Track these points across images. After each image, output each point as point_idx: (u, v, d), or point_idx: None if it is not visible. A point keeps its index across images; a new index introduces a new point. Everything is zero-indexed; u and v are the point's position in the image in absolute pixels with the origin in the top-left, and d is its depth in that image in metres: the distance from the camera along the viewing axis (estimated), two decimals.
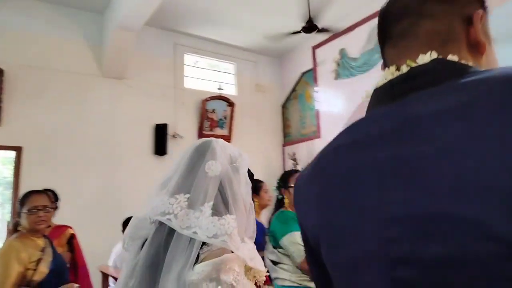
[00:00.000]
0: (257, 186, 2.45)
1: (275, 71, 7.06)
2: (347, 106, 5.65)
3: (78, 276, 2.72)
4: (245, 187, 0.87)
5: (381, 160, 0.46)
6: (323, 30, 5.07)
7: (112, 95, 5.19)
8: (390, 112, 0.49)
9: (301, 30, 4.92)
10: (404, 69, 0.52)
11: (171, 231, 0.75)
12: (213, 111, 6.01)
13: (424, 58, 0.50)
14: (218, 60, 6.49)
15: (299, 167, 6.00)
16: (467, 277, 0.35)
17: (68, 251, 2.74)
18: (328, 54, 6.00)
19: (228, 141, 6.03)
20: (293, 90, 6.77)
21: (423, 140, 0.42)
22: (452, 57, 0.48)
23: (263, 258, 2.20)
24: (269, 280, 1.95)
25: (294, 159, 6.44)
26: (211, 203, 0.77)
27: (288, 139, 6.80)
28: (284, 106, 6.95)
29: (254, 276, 0.77)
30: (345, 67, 5.71)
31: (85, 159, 4.73)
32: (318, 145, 6.14)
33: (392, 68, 0.54)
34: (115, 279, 3.39)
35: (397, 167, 0.44)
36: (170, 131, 5.51)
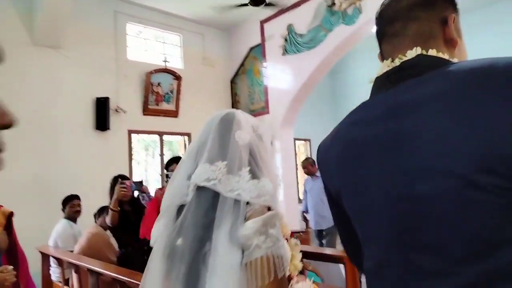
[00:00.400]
0: None
1: (223, 44, 6.93)
2: (295, 82, 5.74)
3: (17, 258, 2.56)
4: (269, 154, 0.98)
5: (380, 133, 0.65)
6: (270, 4, 5.04)
7: (46, 66, 4.78)
8: (386, 97, 0.68)
9: (248, 3, 4.85)
10: (397, 62, 0.68)
11: (216, 194, 0.85)
12: (159, 84, 5.80)
13: (412, 53, 0.67)
14: (163, 31, 6.22)
15: None
16: (443, 204, 0.56)
17: (5, 231, 2.56)
18: (276, 29, 6.00)
19: (175, 116, 5.91)
20: (242, 65, 6.72)
21: (409, 117, 0.61)
22: (432, 51, 0.65)
23: None
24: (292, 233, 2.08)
25: None
26: (248, 168, 0.87)
27: None
28: (233, 81, 6.90)
29: (282, 231, 0.90)
30: (292, 43, 5.75)
31: (17, 136, 4.37)
32: (267, 120, 6.22)
33: (388, 61, 0.71)
34: (57, 259, 3.25)
35: (391, 138, 0.63)
36: (112, 105, 5.25)
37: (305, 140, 8.24)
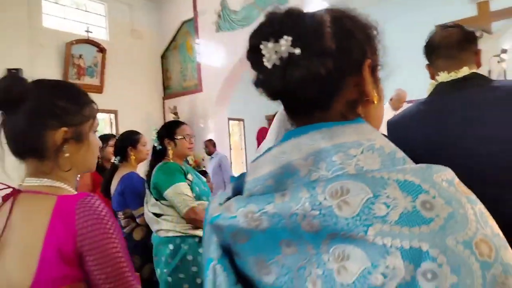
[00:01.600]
0: (134, 139, 2.30)
1: (153, 17, 6.54)
2: (229, 60, 5.66)
3: None
4: None
5: (458, 119, 1.07)
6: None
7: None
8: (458, 96, 1.11)
9: None
10: (459, 74, 1.12)
11: None
12: (80, 56, 5.32)
13: (465, 71, 1.12)
14: None
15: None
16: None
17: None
18: (209, 4, 5.80)
19: (100, 92, 5.49)
20: (173, 39, 6.42)
21: (479, 109, 1.04)
22: (476, 70, 1.13)
23: (142, 214, 2.13)
24: None
25: (175, 113, 6.25)
26: None
27: (168, 92, 6.53)
28: (164, 56, 6.58)
29: None
30: (226, 20, 5.63)
31: None
32: (200, 99, 6.08)
33: (445, 74, 1.15)
34: None
35: (468, 121, 1.05)
36: (25, 77, 4.69)
37: (238, 120, 8.25)
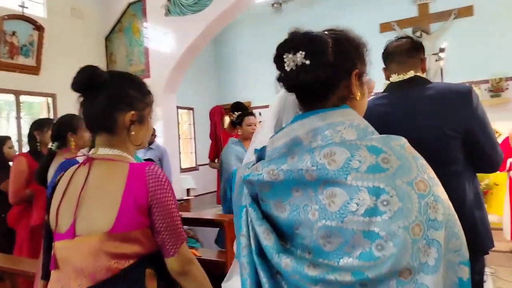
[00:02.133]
0: (74, 124, 2.14)
1: None
2: (178, 46, 5.48)
3: None
4: None
5: (401, 112, 1.39)
6: None
7: None
8: (400, 95, 1.44)
9: None
10: (406, 77, 1.44)
11: None
12: (14, 34, 4.85)
13: (411, 74, 1.45)
14: None
15: None
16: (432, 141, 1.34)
17: None
18: None
19: (36, 73, 5.07)
20: (119, 21, 6.08)
21: (416, 104, 1.38)
22: (420, 74, 1.47)
23: None
24: None
25: None
26: None
27: None
28: (108, 39, 6.21)
29: None
30: (176, 4, 5.43)
31: None
32: (148, 85, 5.82)
33: (397, 76, 1.47)
34: None
35: (407, 114, 1.38)
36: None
37: (188, 108, 8.08)
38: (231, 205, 2.39)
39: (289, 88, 0.78)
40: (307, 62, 0.70)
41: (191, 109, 8.13)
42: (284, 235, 0.76)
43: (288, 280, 0.73)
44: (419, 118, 1.36)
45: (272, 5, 7.26)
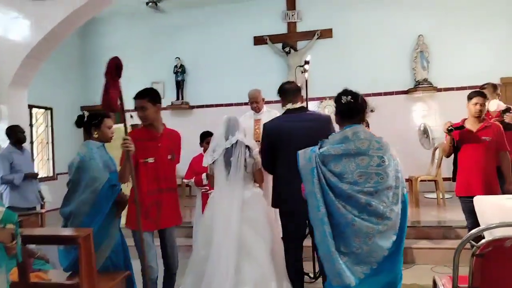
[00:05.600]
0: None
1: None
2: (33, 34, 4.71)
3: None
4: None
5: (293, 130, 2.59)
6: None
7: None
8: (294, 116, 2.68)
9: None
10: (295, 106, 2.72)
11: (240, 142, 2.76)
12: None
13: (297, 104, 2.73)
14: None
15: None
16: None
17: None
18: None
19: None
20: None
21: (301, 125, 2.61)
22: (302, 105, 2.82)
23: None
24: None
25: None
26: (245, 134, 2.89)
27: None
28: None
29: None
30: None
31: None
32: None
33: (290, 105, 2.72)
34: None
35: (300, 126, 2.60)
36: None
37: (45, 108, 7.03)
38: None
39: (342, 112, 1.93)
40: (352, 101, 1.89)
41: (49, 109, 7.11)
42: (337, 177, 1.80)
43: (342, 195, 1.76)
44: (307, 128, 2.53)
45: (147, 3, 6.90)
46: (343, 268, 1.70)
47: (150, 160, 2.57)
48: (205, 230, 2.71)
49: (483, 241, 1.61)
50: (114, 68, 2.25)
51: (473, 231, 1.73)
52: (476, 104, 3.21)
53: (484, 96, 3.24)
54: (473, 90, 3.44)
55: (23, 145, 4.39)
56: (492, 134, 3.18)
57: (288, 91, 2.71)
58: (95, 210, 2.66)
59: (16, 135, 4.26)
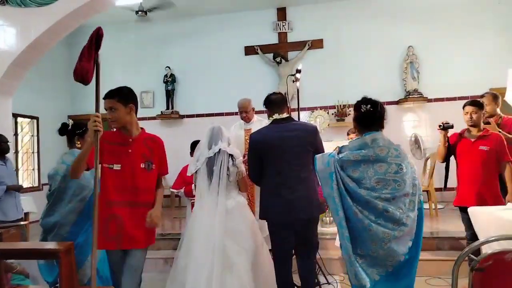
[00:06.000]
0: None
1: None
2: (17, 42, 4.60)
3: None
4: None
5: (280, 140, 2.53)
6: None
7: None
8: (281, 126, 2.61)
9: None
10: (282, 116, 2.65)
11: (223, 151, 2.72)
12: None
13: (285, 114, 2.67)
14: None
15: None
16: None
17: None
18: None
19: None
20: None
21: (288, 135, 2.55)
22: (287, 115, 2.70)
23: None
24: None
25: None
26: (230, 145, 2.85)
27: None
28: None
29: None
30: None
31: None
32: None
33: (276, 115, 2.65)
34: None
35: (287, 135, 2.54)
36: None
37: (31, 117, 6.86)
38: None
39: (361, 120, 2.08)
40: (372, 109, 2.04)
41: (35, 118, 6.94)
42: (356, 183, 1.92)
43: (360, 200, 1.88)
44: (293, 138, 2.51)
45: (137, 12, 6.83)
46: (359, 270, 1.85)
47: (116, 167, 2.21)
48: (186, 240, 2.64)
49: (482, 254, 1.55)
50: (93, 39, 2.10)
51: (473, 244, 1.67)
52: (467, 113, 3.19)
53: (476, 105, 3.21)
54: (470, 100, 3.39)
55: (6, 155, 4.23)
56: (491, 143, 3.12)
57: (274, 102, 2.67)
58: (82, 219, 2.55)
59: None
